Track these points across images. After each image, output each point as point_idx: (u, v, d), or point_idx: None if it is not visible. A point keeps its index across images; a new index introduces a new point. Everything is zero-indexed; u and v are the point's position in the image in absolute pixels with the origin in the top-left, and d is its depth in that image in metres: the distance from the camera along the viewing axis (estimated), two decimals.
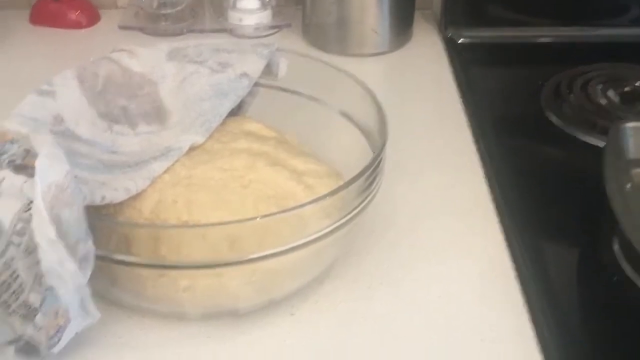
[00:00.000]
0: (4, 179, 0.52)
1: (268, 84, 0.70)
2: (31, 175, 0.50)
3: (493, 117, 0.83)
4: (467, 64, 0.93)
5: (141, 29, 0.98)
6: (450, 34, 0.98)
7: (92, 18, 1.02)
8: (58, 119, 0.62)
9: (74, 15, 1.01)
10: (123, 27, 0.99)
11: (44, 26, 1.01)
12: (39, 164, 0.49)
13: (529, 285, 0.61)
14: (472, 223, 0.68)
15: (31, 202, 0.49)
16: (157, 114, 0.67)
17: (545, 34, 0.99)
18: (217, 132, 0.64)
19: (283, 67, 0.69)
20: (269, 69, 0.69)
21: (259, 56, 0.68)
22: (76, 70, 0.66)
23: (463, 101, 0.85)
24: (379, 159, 0.58)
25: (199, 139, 0.63)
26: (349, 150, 0.66)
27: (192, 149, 0.62)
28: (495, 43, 0.98)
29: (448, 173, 0.74)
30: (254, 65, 0.68)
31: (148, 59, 0.68)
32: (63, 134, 0.62)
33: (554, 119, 0.82)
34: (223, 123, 0.65)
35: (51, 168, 0.50)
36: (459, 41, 0.98)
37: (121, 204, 0.56)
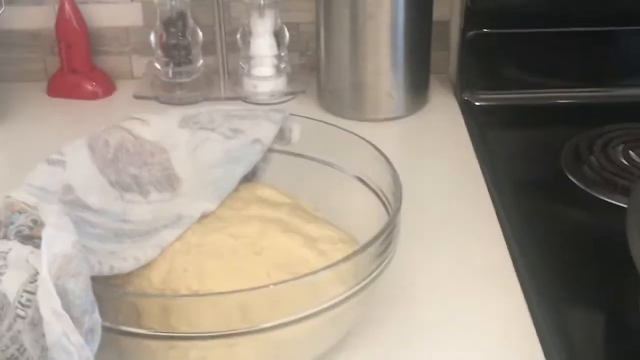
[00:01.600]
0: (10, 249, 0.51)
1: (282, 149, 0.70)
2: (38, 245, 0.49)
3: (512, 180, 0.82)
4: (484, 127, 0.92)
5: (156, 98, 0.98)
6: (466, 97, 0.97)
7: (108, 88, 1.03)
8: (68, 189, 0.62)
9: (90, 87, 1.02)
10: (138, 97, 0.99)
11: (61, 97, 1.01)
12: (45, 233, 0.48)
13: (552, 351, 0.59)
14: (492, 288, 0.66)
15: (37, 273, 0.48)
16: (169, 182, 0.66)
17: (562, 96, 0.98)
18: (229, 199, 0.63)
19: (296, 132, 0.69)
20: (282, 135, 0.68)
21: (271, 122, 0.68)
22: (87, 138, 0.65)
23: (481, 164, 0.84)
24: (393, 223, 0.57)
25: (211, 206, 0.62)
26: (365, 215, 0.65)
27: (204, 216, 0.61)
28: (512, 105, 0.97)
29: (467, 237, 0.73)
30: (266, 131, 0.67)
31: (160, 126, 0.68)
32: (73, 203, 0.61)
33: (574, 180, 0.80)
34: (236, 189, 0.64)
35: (58, 238, 0.49)
36: (476, 104, 0.97)
37: (130, 273, 0.55)
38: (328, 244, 0.60)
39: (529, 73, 0.98)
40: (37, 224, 0.52)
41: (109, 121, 0.68)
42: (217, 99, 0.98)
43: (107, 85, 1.03)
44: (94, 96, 1.02)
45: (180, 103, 0.98)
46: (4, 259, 0.50)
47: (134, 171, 0.66)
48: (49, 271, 0.47)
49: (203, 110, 0.69)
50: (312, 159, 0.70)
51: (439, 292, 0.66)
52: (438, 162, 0.86)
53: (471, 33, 0.95)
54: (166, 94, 0.99)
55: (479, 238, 0.73)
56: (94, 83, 1.02)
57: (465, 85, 0.98)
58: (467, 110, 0.96)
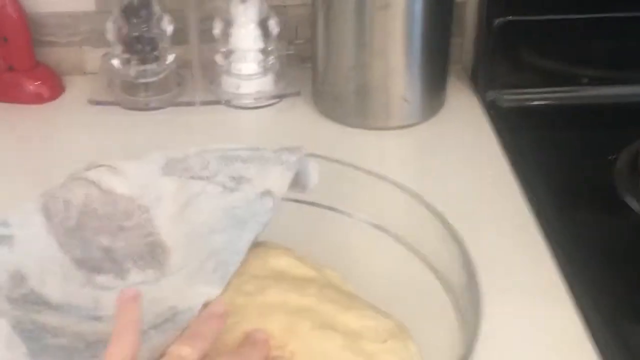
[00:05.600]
0: None
1: (294, 197, 0.57)
2: None
3: (552, 190, 0.71)
4: (515, 132, 0.78)
5: (117, 104, 0.82)
6: (491, 98, 0.83)
7: (54, 89, 0.86)
8: (17, 278, 0.47)
9: (32, 87, 0.85)
10: (94, 102, 0.82)
11: None
12: None
13: None
14: (544, 305, 0.58)
15: None
16: (153, 253, 0.52)
17: (604, 94, 0.84)
18: (237, 277, 0.50)
19: (314, 175, 0.55)
20: (296, 179, 0.54)
21: (284, 166, 0.53)
22: (41, 200, 0.51)
23: (516, 176, 0.72)
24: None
25: (214, 291, 0.48)
26: (405, 282, 0.54)
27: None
28: (545, 105, 0.84)
29: (510, 252, 0.63)
30: (278, 180, 0.53)
31: (137, 175, 0.53)
32: (25, 300, 0.47)
33: (623, 190, 0.70)
34: (242, 261, 0.50)
35: None
36: (504, 105, 0.83)
37: None
38: (374, 341, 0.48)
39: (563, 66, 0.85)
40: None
41: (60, 132, 0.54)
42: (191, 103, 0.82)
43: (53, 85, 0.86)
44: (38, 99, 0.85)
45: (146, 108, 0.81)
46: None
47: (106, 242, 0.51)
48: None
49: (192, 151, 0.54)
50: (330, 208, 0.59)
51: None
52: (465, 177, 0.72)
53: (496, 21, 0.81)
54: (128, 97, 0.82)
55: (523, 252, 0.64)
56: (37, 82, 0.85)
57: (489, 84, 0.83)
58: (494, 112, 0.81)
